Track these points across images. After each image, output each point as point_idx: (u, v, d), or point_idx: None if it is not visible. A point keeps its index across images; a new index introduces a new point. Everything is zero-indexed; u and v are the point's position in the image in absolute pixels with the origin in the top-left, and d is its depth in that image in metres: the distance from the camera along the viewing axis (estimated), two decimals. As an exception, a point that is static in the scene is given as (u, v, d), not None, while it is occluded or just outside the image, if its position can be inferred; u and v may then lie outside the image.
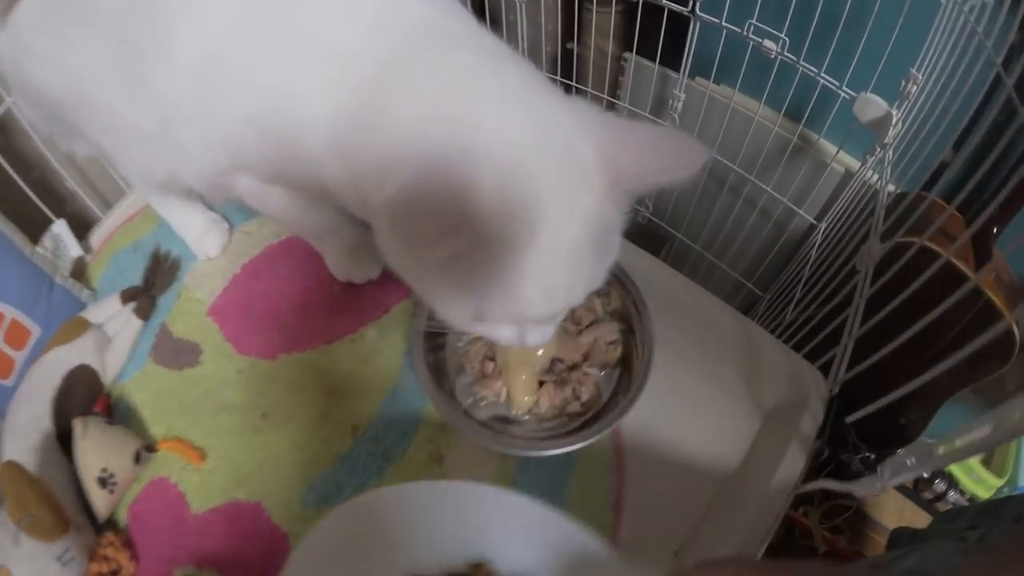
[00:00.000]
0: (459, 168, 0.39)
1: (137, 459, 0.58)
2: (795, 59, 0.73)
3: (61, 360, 0.62)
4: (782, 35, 0.72)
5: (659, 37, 0.84)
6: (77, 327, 0.65)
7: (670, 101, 0.90)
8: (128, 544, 0.57)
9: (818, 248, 0.84)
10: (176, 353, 0.67)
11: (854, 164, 0.81)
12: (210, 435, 0.62)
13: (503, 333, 0.50)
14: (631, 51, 0.93)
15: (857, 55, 0.68)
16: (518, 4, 0.92)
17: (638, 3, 0.82)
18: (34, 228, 0.73)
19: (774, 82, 0.79)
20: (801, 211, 0.88)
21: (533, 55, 1.01)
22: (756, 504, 0.55)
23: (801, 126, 0.82)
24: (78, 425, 0.57)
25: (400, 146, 0.41)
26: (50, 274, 0.68)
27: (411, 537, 0.48)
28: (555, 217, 0.41)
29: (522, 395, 0.61)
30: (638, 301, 0.64)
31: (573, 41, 1.02)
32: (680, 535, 0.57)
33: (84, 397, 0.62)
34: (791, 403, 0.62)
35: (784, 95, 0.79)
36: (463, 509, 0.49)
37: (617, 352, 0.64)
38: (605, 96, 0.98)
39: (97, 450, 0.56)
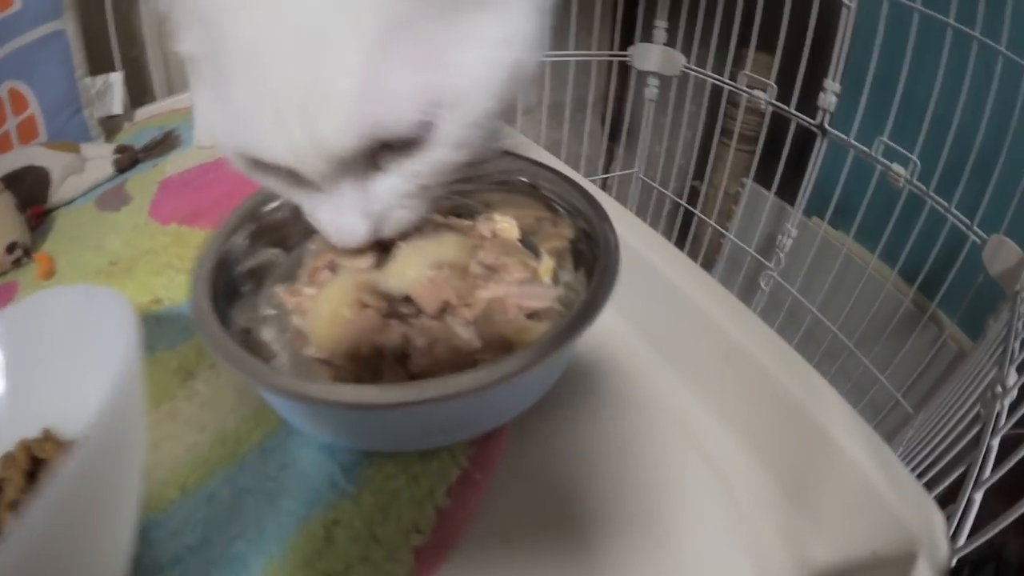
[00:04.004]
0: None
1: (10, 250, 0.55)
2: (924, 189, 0.65)
3: (33, 155, 0.63)
4: (913, 156, 0.65)
5: (778, 165, 0.79)
6: (67, 146, 0.66)
7: (779, 237, 0.84)
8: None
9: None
10: (113, 199, 0.65)
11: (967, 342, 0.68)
12: (69, 263, 0.58)
13: (280, 190, 0.32)
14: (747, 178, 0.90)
15: (988, 192, 0.59)
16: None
17: (763, 120, 0.80)
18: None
19: (893, 232, 0.71)
20: (900, 397, 0.73)
21: (662, 182, 1.01)
22: None
23: (914, 288, 0.71)
24: None
25: None
26: (82, 104, 0.71)
27: None
28: None
29: (323, 320, 0.34)
30: (605, 253, 0.35)
31: (703, 180, 1.02)
32: None
33: (27, 192, 0.60)
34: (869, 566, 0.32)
35: (902, 248, 0.70)
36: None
37: (537, 332, 0.35)
38: (713, 224, 0.94)
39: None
